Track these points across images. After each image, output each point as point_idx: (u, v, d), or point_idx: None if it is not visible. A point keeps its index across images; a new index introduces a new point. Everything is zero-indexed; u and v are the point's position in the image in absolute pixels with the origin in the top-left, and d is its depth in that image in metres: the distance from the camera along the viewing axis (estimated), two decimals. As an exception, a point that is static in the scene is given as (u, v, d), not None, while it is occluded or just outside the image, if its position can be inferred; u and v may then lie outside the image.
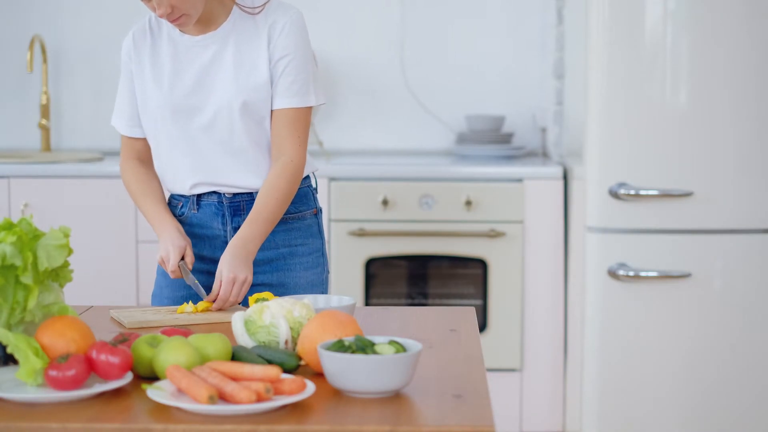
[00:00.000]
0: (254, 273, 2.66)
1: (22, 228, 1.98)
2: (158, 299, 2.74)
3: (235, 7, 2.64)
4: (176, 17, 2.53)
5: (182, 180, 2.67)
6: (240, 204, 2.68)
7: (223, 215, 2.68)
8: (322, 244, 2.78)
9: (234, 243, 2.56)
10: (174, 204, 2.74)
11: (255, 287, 2.69)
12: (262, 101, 2.62)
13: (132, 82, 2.68)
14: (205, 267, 2.71)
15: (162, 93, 2.62)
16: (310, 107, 2.64)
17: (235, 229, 2.67)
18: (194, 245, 2.71)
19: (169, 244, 2.57)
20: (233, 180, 2.65)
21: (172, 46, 2.64)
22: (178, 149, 2.65)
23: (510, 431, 4.18)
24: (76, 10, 4.72)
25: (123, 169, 2.75)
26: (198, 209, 2.69)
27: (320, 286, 2.76)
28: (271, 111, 2.65)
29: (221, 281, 2.50)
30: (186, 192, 2.68)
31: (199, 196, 2.69)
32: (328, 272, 2.81)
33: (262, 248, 2.66)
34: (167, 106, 2.62)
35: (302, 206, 2.73)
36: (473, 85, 4.74)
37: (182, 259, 2.57)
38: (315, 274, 2.75)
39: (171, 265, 2.55)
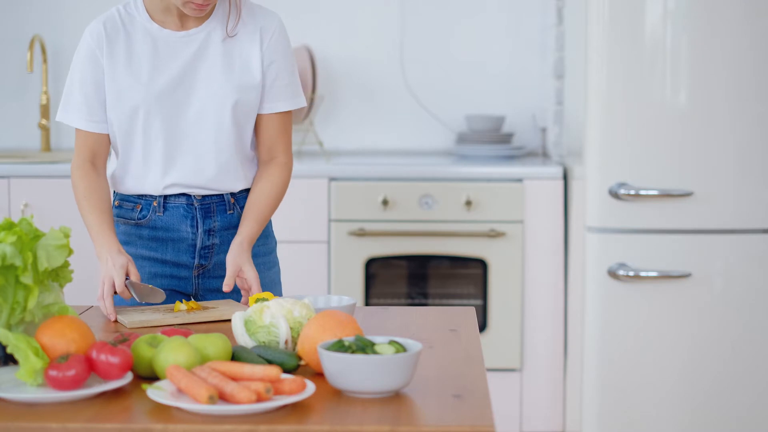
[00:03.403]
0: (219, 277, 2.67)
1: (22, 228, 1.98)
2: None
3: (218, 7, 2.62)
4: (207, 4, 2.50)
5: (154, 179, 2.62)
6: (210, 206, 2.65)
7: (193, 218, 2.64)
8: (276, 243, 2.78)
9: (245, 241, 2.56)
10: (127, 207, 2.67)
11: (220, 292, 2.68)
12: (252, 102, 2.63)
13: (98, 73, 2.59)
14: (168, 271, 2.67)
15: (142, 86, 2.57)
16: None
17: (206, 232, 2.65)
18: (157, 249, 2.66)
19: (110, 265, 2.50)
20: (209, 182, 2.63)
21: (150, 40, 2.59)
22: (155, 146, 2.60)
23: (510, 431, 4.18)
24: (76, 10, 4.72)
25: (74, 170, 2.63)
26: (164, 212, 2.64)
27: (279, 285, 2.77)
28: (259, 114, 2.66)
29: (247, 279, 2.50)
30: (157, 192, 2.63)
31: (165, 198, 2.64)
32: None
33: (227, 249, 2.67)
34: (150, 100, 2.57)
35: None
36: (473, 85, 4.74)
37: (127, 278, 2.51)
38: (274, 273, 2.76)
39: (118, 286, 2.48)
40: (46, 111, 4.67)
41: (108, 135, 2.63)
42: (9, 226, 1.97)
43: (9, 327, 1.97)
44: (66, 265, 2.05)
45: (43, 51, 4.64)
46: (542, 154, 4.69)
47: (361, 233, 4.15)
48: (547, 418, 4.18)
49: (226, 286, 2.52)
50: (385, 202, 4.16)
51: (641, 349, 3.78)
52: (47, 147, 4.68)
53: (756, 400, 3.79)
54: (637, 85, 3.74)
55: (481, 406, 1.80)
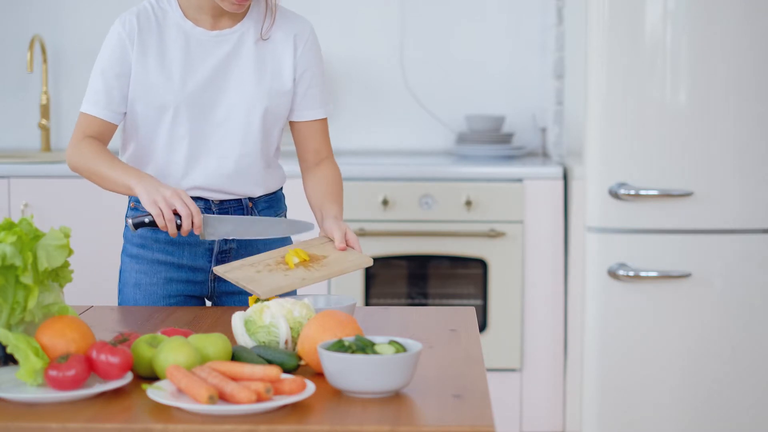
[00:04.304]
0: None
1: (22, 228, 1.98)
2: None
3: (251, 9, 2.60)
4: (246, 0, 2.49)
5: (173, 180, 2.58)
6: (228, 210, 2.63)
7: None
8: (291, 242, 2.77)
9: (338, 215, 2.57)
10: (143, 209, 2.58)
11: (239, 295, 2.66)
12: (282, 108, 2.61)
13: (124, 64, 2.55)
14: (184, 275, 2.64)
15: (173, 85, 2.53)
16: None
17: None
18: (173, 253, 2.61)
19: (171, 189, 2.39)
20: (229, 185, 2.60)
21: (182, 38, 2.56)
22: (179, 146, 2.57)
23: (510, 431, 4.18)
24: (76, 10, 4.72)
25: (76, 142, 2.53)
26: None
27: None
28: (294, 121, 2.66)
29: (350, 240, 2.48)
30: None
31: None
32: None
33: (245, 254, 2.65)
34: (179, 100, 2.54)
35: (279, 210, 2.73)
36: (473, 85, 4.74)
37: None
38: None
39: (195, 212, 2.38)
40: (46, 111, 4.67)
41: (115, 126, 2.58)
42: (9, 226, 1.97)
43: (9, 327, 1.97)
44: (66, 265, 2.05)
45: (43, 51, 4.64)
46: (542, 154, 4.69)
47: (361, 233, 4.15)
48: (547, 418, 4.18)
49: (340, 244, 2.47)
50: (385, 202, 4.16)
51: (641, 349, 3.78)
52: (47, 147, 4.68)
53: (756, 400, 3.79)
54: (637, 85, 3.74)
55: (481, 406, 1.80)
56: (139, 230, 2.61)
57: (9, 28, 4.73)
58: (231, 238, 2.48)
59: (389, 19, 4.72)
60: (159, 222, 2.37)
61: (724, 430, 3.80)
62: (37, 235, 2.00)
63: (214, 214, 2.61)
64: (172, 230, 2.38)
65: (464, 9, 4.71)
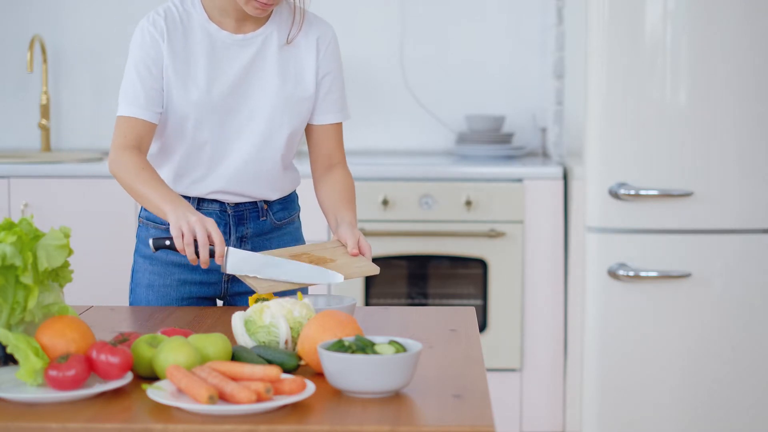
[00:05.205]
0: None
1: (22, 228, 1.98)
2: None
3: (275, 13, 2.59)
4: (271, 4, 2.46)
5: (193, 183, 2.58)
6: (243, 213, 2.62)
7: (226, 224, 2.61)
8: (304, 243, 2.76)
9: (353, 222, 2.55)
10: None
11: (249, 294, 2.66)
12: (304, 114, 2.60)
13: (158, 66, 2.51)
14: (198, 277, 2.63)
15: (198, 91, 2.52)
16: None
17: (239, 239, 2.62)
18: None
19: (196, 215, 2.35)
20: (247, 189, 2.60)
21: (207, 40, 2.54)
22: (202, 150, 2.56)
23: (510, 431, 4.18)
24: (76, 10, 4.72)
25: (120, 150, 2.49)
26: None
27: (306, 288, 2.74)
28: (315, 125, 2.65)
29: (363, 248, 2.48)
30: (200, 195, 2.58)
31: (199, 202, 2.60)
32: None
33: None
34: (205, 106, 2.52)
35: (293, 211, 2.73)
36: (473, 85, 4.74)
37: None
38: None
39: (218, 241, 2.34)
40: (46, 111, 4.67)
41: (155, 126, 2.53)
42: (9, 226, 1.97)
43: (9, 327, 1.97)
44: (66, 265, 2.05)
45: (43, 51, 4.64)
46: (542, 154, 4.69)
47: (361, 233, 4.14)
48: (547, 418, 4.18)
49: (353, 249, 2.47)
50: (385, 202, 4.16)
51: (641, 349, 3.78)
52: (47, 147, 4.68)
53: (756, 400, 3.79)
54: (637, 85, 3.74)
55: (481, 406, 1.80)
56: (153, 231, 2.62)
57: (9, 28, 4.73)
58: (253, 276, 2.40)
59: (389, 19, 4.72)
60: (177, 244, 2.35)
61: (724, 430, 3.80)
62: (37, 235, 2.00)
63: (231, 215, 2.61)
64: (190, 255, 2.35)
65: (464, 9, 4.71)
